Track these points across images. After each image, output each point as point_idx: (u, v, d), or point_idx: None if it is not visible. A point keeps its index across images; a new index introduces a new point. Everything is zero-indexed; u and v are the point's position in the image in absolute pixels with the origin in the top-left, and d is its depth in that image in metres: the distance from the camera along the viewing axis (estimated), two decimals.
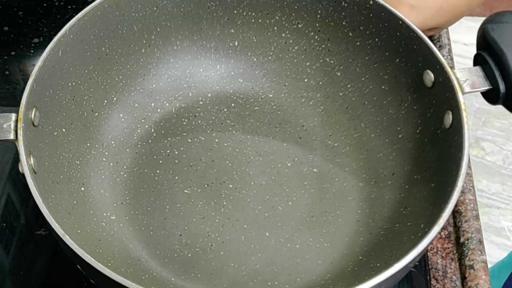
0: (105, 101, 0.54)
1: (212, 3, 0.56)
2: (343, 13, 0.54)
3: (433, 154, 0.49)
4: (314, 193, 0.53)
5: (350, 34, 0.54)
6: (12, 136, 0.43)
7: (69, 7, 0.68)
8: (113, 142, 0.54)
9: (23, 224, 0.52)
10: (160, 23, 0.55)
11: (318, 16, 0.55)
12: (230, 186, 0.53)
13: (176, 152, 0.55)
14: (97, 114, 0.53)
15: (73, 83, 0.50)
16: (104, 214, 0.50)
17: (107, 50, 0.53)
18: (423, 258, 0.51)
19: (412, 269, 0.50)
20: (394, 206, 0.50)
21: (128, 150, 0.54)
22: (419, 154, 0.50)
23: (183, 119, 0.57)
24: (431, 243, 0.41)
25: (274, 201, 0.52)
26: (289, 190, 0.53)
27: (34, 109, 0.45)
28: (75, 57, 0.50)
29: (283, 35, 0.57)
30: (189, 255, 0.49)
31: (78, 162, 0.50)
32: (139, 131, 0.55)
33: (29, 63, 0.64)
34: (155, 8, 0.54)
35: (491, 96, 0.48)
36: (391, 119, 0.53)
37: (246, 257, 0.49)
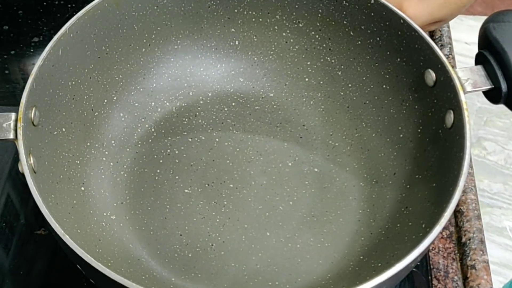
0: (105, 101, 0.54)
1: (212, 2, 0.56)
2: (344, 12, 0.54)
3: (435, 153, 0.49)
4: (315, 193, 0.52)
5: (351, 33, 0.54)
6: (11, 136, 0.43)
7: (69, 6, 0.68)
8: (113, 142, 0.54)
9: (22, 224, 0.52)
10: (161, 22, 0.55)
11: (319, 15, 0.55)
12: (231, 185, 0.53)
13: (177, 152, 0.55)
14: (97, 113, 0.53)
15: (73, 82, 0.50)
16: (104, 213, 0.50)
17: (107, 49, 0.53)
18: (425, 258, 0.51)
19: (414, 269, 0.50)
20: (395, 205, 0.50)
21: (128, 149, 0.54)
22: (420, 154, 0.50)
23: (184, 119, 0.56)
24: (432, 243, 0.41)
25: (274, 200, 0.52)
26: (290, 190, 0.53)
27: (34, 109, 0.45)
28: (75, 56, 0.50)
29: (284, 34, 0.57)
30: (190, 255, 0.49)
31: (78, 162, 0.50)
32: (139, 130, 0.55)
33: (29, 62, 0.64)
34: (155, 7, 0.54)
35: (493, 95, 0.48)
36: (392, 119, 0.53)
37: (247, 257, 0.49)
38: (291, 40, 0.57)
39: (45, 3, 0.68)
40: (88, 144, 0.52)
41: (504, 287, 0.78)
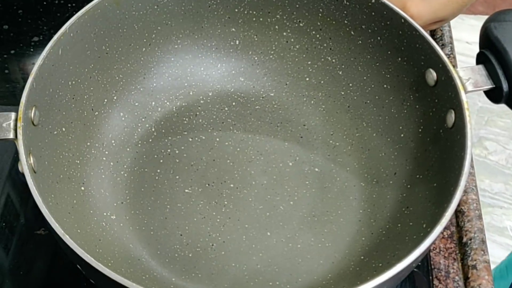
0: (105, 100, 0.54)
1: (213, 1, 0.55)
2: (345, 12, 0.53)
3: (436, 153, 0.48)
4: (315, 193, 0.52)
5: (352, 32, 0.54)
6: (11, 135, 0.43)
7: (69, 5, 0.68)
8: (113, 141, 0.54)
9: (22, 224, 0.52)
10: (161, 22, 0.55)
11: (320, 14, 0.55)
12: (231, 185, 0.53)
13: (177, 152, 0.54)
14: (97, 113, 0.53)
15: (73, 82, 0.50)
16: (104, 213, 0.50)
17: (108, 49, 0.53)
18: (426, 258, 0.51)
19: (414, 269, 0.50)
20: (396, 205, 0.50)
21: (128, 149, 0.54)
22: (421, 154, 0.50)
23: (184, 118, 0.56)
24: (433, 243, 0.41)
25: (275, 200, 0.52)
26: (291, 190, 0.52)
27: (33, 108, 0.45)
28: (75, 56, 0.50)
29: (285, 33, 0.57)
30: (190, 255, 0.49)
31: (78, 162, 0.50)
32: (139, 130, 0.55)
33: (29, 61, 0.63)
34: (155, 7, 0.54)
35: (494, 95, 0.48)
36: (393, 118, 0.53)
37: (247, 257, 0.49)
38: (292, 40, 0.57)
39: (45, 3, 0.68)
40: (88, 143, 0.52)
41: (501, 267, 0.79)
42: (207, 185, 0.53)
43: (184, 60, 0.57)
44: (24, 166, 0.41)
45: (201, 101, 0.57)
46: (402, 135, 0.52)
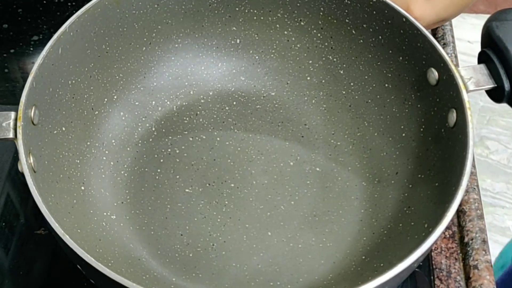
0: (106, 99, 0.54)
1: (213, 0, 0.55)
2: (346, 11, 0.53)
3: (437, 153, 0.48)
4: (316, 192, 0.52)
5: (353, 31, 0.54)
6: (11, 135, 0.43)
7: (69, 4, 0.68)
8: (113, 141, 0.54)
9: (22, 224, 0.52)
10: (161, 21, 0.55)
11: (321, 13, 0.55)
12: (232, 185, 0.52)
13: (177, 151, 0.54)
14: (97, 112, 0.53)
15: (73, 81, 0.50)
16: (104, 213, 0.50)
17: (108, 48, 0.52)
18: (427, 258, 0.51)
19: (416, 269, 0.50)
20: (398, 205, 0.49)
21: (128, 149, 0.54)
22: (422, 153, 0.50)
23: (184, 118, 0.56)
24: (435, 243, 0.41)
25: (276, 200, 0.52)
26: (292, 189, 0.52)
27: (33, 108, 0.44)
28: (75, 55, 0.49)
29: (286, 32, 0.57)
30: (190, 255, 0.49)
31: (78, 161, 0.50)
32: (139, 129, 0.55)
33: (29, 61, 0.63)
34: (156, 6, 0.54)
35: (495, 94, 0.48)
36: (394, 118, 0.53)
37: (248, 257, 0.49)
38: (293, 39, 0.57)
39: (45, 1, 0.68)
40: (88, 143, 0.52)
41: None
42: (207, 184, 0.52)
43: (184, 59, 0.57)
44: (24, 165, 0.41)
45: (202, 101, 0.57)
46: (403, 135, 0.52)
